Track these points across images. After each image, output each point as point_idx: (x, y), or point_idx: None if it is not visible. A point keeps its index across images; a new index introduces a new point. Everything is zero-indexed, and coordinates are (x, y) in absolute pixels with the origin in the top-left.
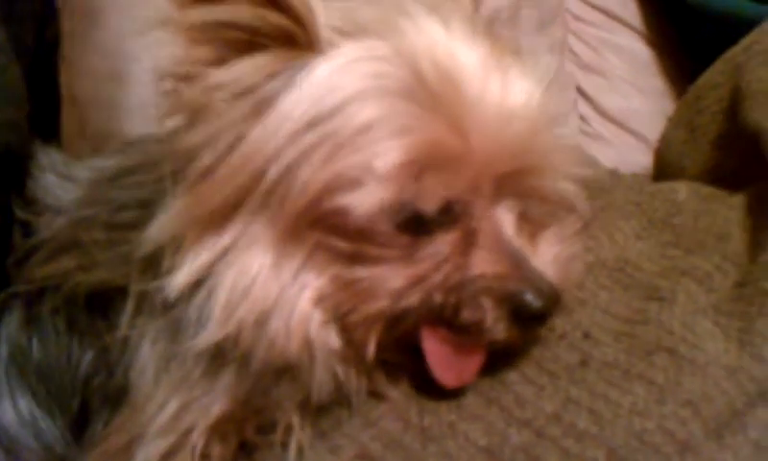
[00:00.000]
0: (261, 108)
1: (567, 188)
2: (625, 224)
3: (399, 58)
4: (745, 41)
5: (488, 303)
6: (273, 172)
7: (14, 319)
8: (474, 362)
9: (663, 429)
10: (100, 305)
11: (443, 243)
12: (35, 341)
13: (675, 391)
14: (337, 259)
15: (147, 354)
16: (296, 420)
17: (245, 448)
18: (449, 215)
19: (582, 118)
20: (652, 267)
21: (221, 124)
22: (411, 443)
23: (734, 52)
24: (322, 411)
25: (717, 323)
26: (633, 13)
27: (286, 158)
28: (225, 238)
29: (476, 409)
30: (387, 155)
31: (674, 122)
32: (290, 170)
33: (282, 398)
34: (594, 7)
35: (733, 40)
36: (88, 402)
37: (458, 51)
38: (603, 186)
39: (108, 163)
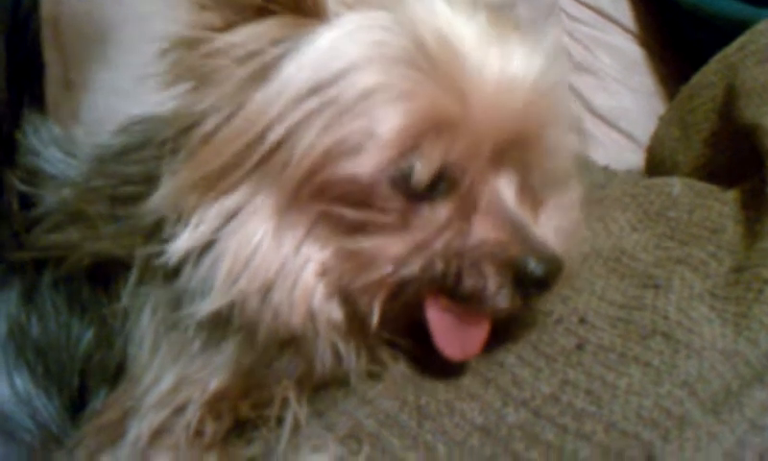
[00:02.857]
0: (265, 73)
1: (566, 158)
2: (621, 215)
3: (401, 27)
4: (739, 41)
5: (490, 270)
6: (274, 137)
7: (14, 295)
8: (479, 333)
9: (660, 407)
10: (102, 278)
11: (443, 209)
12: (34, 318)
13: (671, 373)
14: (340, 231)
15: (146, 324)
16: (292, 395)
17: (238, 425)
18: (449, 181)
19: None
20: (647, 257)
21: (225, 89)
22: (407, 420)
23: (728, 52)
24: (318, 391)
25: (713, 307)
26: (625, 13)
27: (288, 123)
28: (227, 206)
29: (473, 389)
30: (388, 119)
31: (667, 120)
32: (291, 135)
33: (281, 373)
34: (587, 6)
35: (726, 41)
36: (87, 381)
37: (459, 21)
38: (597, 182)
39: (112, 141)
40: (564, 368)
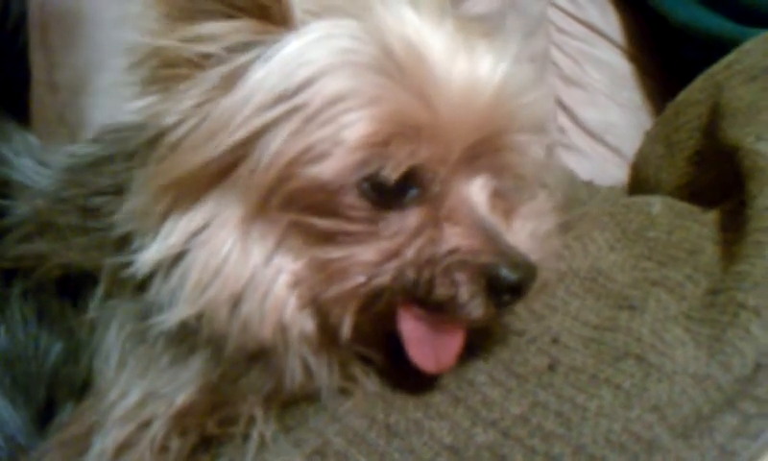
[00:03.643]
0: (231, 80)
1: (538, 163)
2: (599, 235)
3: (369, 35)
4: (725, 60)
5: (462, 278)
6: (240, 145)
7: None
8: (453, 344)
9: (629, 431)
10: (71, 291)
11: (413, 217)
12: (2, 329)
13: (641, 396)
14: (311, 241)
15: (113, 338)
16: (259, 412)
17: (204, 441)
18: (419, 188)
19: (560, 130)
20: (624, 278)
21: (192, 97)
22: (375, 439)
23: (715, 70)
24: (288, 407)
25: (688, 330)
26: (614, 27)
27: (254, 131)
28: (196, 216)
29: (443, 408)
30: (354, 126)
31: (652, 137)
32: (258, 143)
33: (248, 390)
34: (577, 20)
35: (714, 59)
36: (55, 394)
37: (426, 29)
38: (579, 198)
39: (85, 151)
40: (534, 389)
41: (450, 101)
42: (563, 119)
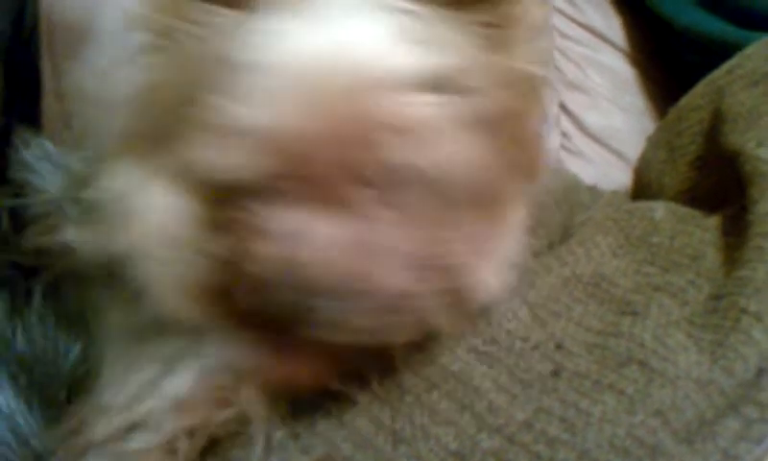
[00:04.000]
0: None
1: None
2: (602, 240)
3: (294, 33)
4: (727, 65)
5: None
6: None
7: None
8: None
9: (633, 436)
10: (85, 288)
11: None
12: (19, 331)
13: (645, 401)
14: None
15: (111, 329)
16: (266, 413)
17: (212, 444)
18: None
19: (564, 135)
20: (627, 283)
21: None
22: (382, 444)
23: (716, 75)
24: (296, 414)
25: (690, 334)
26: (617, 32)
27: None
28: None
29: (449, 414)
30: (243, 121)
31: (654, 142)
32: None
33: (244, 376)
34: (580, 24)
35: (716, 63)
36: (73, 395)
37: (346, 29)
38: (582, 203)
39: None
40: (539, 395)
41: (330, 107)
42: (566, 124)
